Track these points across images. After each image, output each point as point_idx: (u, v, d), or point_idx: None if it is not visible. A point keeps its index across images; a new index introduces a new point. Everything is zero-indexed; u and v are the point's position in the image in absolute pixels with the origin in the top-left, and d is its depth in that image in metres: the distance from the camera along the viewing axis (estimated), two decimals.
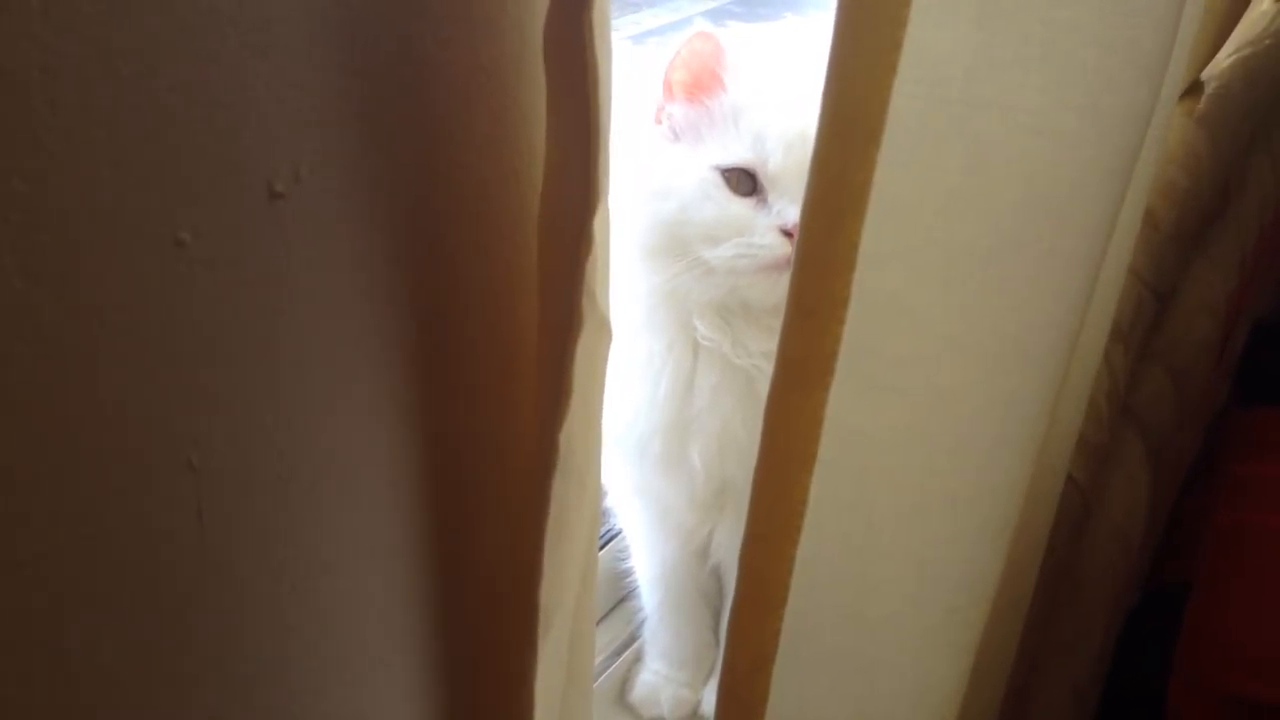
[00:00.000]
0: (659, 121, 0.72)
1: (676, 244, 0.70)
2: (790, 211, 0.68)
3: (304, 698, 0.43)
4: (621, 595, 0.94)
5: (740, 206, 0.69)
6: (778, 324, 0.58)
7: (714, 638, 0.91)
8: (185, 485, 0.35)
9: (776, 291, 0.68)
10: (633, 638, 0.93)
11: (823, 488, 0.42)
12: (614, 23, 0.40)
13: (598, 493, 0.52)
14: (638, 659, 0.92)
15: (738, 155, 0.69)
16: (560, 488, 0.43)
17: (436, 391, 0.45)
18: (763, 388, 0.67)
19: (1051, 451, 0.58)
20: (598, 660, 0.89)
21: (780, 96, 0.70)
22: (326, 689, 0.44)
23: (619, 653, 0.93)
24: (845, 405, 0.42)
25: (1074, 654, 0.92)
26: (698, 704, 0.89)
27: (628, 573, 0.91)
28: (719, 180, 0.69)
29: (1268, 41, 1.44)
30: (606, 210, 0.42)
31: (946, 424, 0.43)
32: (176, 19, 0.31)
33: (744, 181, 0.70)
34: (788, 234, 0.67)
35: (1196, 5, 0.54)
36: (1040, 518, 0.65)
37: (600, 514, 0.61)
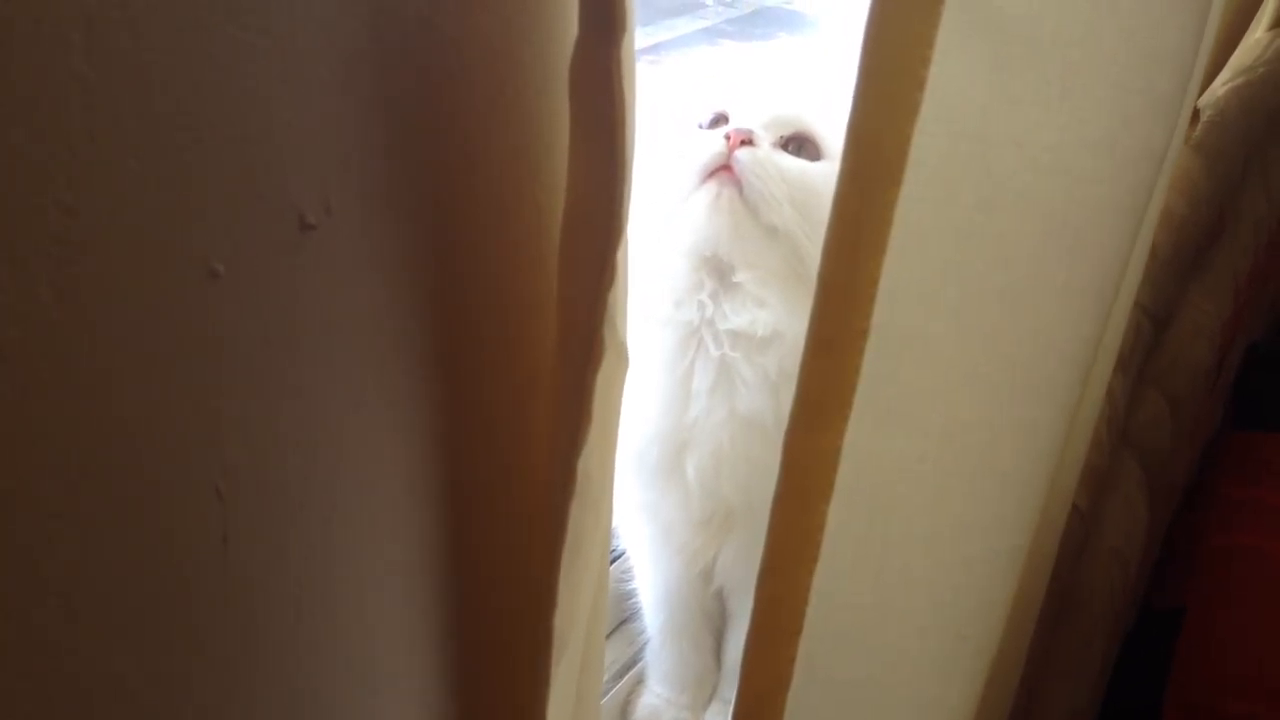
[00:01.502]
0: None
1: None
2: (741, 122, 0.71)
3: (320, 718, 0.43)
4: (625, 616, 0.94)
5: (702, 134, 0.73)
6: (755, 293, 0.61)
7: (716, 661, 0.91)
8: (212, 512, 0.35)
9: (718, 212, 0.69)
10: (635, 659, 0.93)
11: (839, 517, 0.43)
12: None
13: (610, 520, 0.53)
14: (640, 681, 0.92)
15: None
16: (578, 514, 0.44)
17: (455, 418, 0.45)
18: (746, 395, 0.69)
19: (1060, 481, 0.59)
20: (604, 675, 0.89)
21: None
22: (342, 711, 0.44)
23: (621, 674, 0.93)
24: (862, 436, 0.42)
25: (1072, 677, 0.92)
26: None
27: (631, 594, 0.91)
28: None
29: (1262, 69, 1.45)
30: (628, 242, 0.42)
31: (961, 454, 0.44)
32: (212, 55, 0.31)
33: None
34: (727, 138, 0.70)
35: (1208, 45, 0.54)
36: (1047, 546, 0.65)
37: (610, 540, 0.61)
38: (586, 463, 0.43)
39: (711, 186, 0.69)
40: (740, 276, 0.71)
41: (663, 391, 0.73)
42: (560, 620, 0.45)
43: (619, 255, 0.41)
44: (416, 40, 0.38)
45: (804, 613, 0.44)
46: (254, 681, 0.39)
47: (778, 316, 0.70)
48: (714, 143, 0.70)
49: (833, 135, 0.74)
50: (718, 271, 0.72)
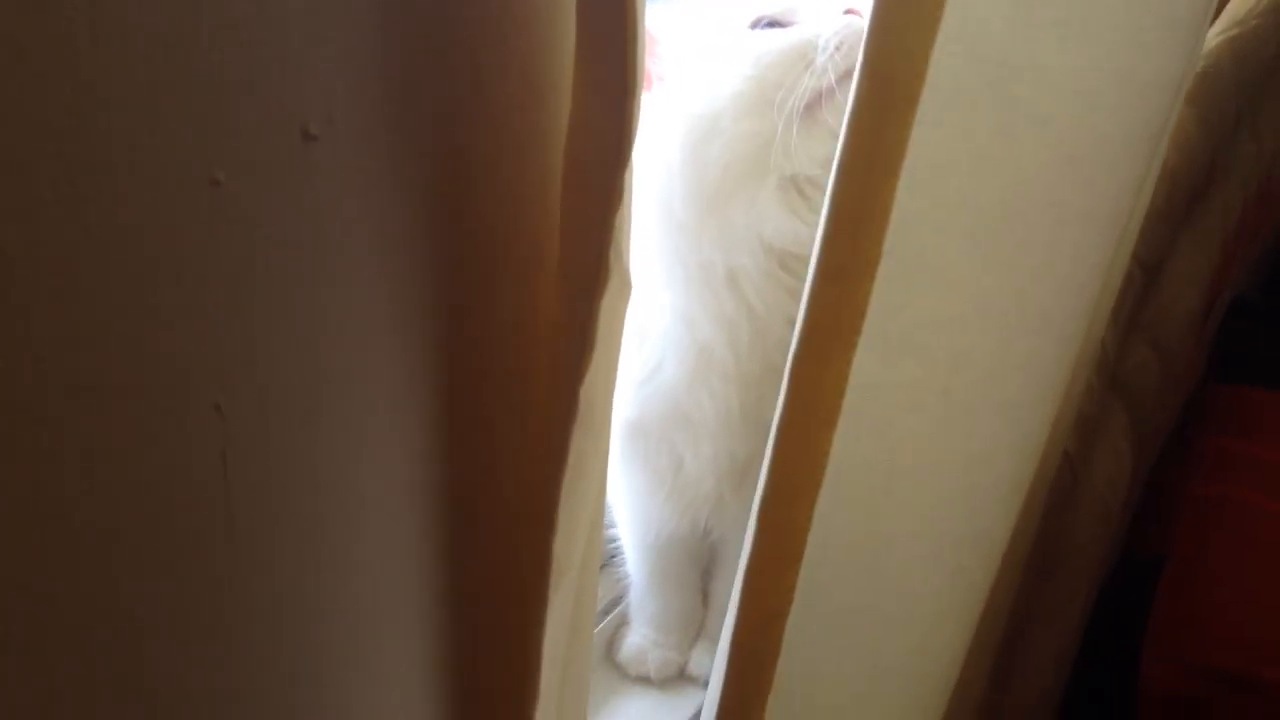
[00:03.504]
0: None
1: (760, 105, 0.67)
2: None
3: (324, 630, 0.43)
4: (607, 557, 0.94)
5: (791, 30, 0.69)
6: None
7: (702, 599, 0.92)
8: (211, 428, 0.34)
9: None
10: (619, 598, 0.94)
11: (843, 445, 0.43)
12: None
13: (609, 445, 0.52)
14: (624, 621, 0.93)
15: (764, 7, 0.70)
16: (579, 441, 0.44)
17: (456, 336, 0.44)
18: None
19: (1057, 421, 0.59)
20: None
21: None
22: (342, 627, 0.44)
23: (606, 611, 0.93)
24: (869, 364, 0.42)
25: (1055, 621, 0.93)
26: (684, 665, 0.90)
27: (613, 539, 0.90)
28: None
29: (1255, 22, 1.44)
30: (633, 165, 0.41)
31: (968, 385, 0.43)
32: None
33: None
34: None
35: None
36: (1040, 485, 0.65)
37: (608, 470, 0.61)
38: (590, 390, 0.43)
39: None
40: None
41: (733, 319, 0.71)
42: (559, 545, 0.45)
43: (625, 177, 0.40)
44: None
45: (805, 540, 0.44)
46: (251, 597, 0.38)
47: None
48: (851, 18, 0.66)
49: None
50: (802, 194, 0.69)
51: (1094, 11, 0.38)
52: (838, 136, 0.56)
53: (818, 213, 0.60)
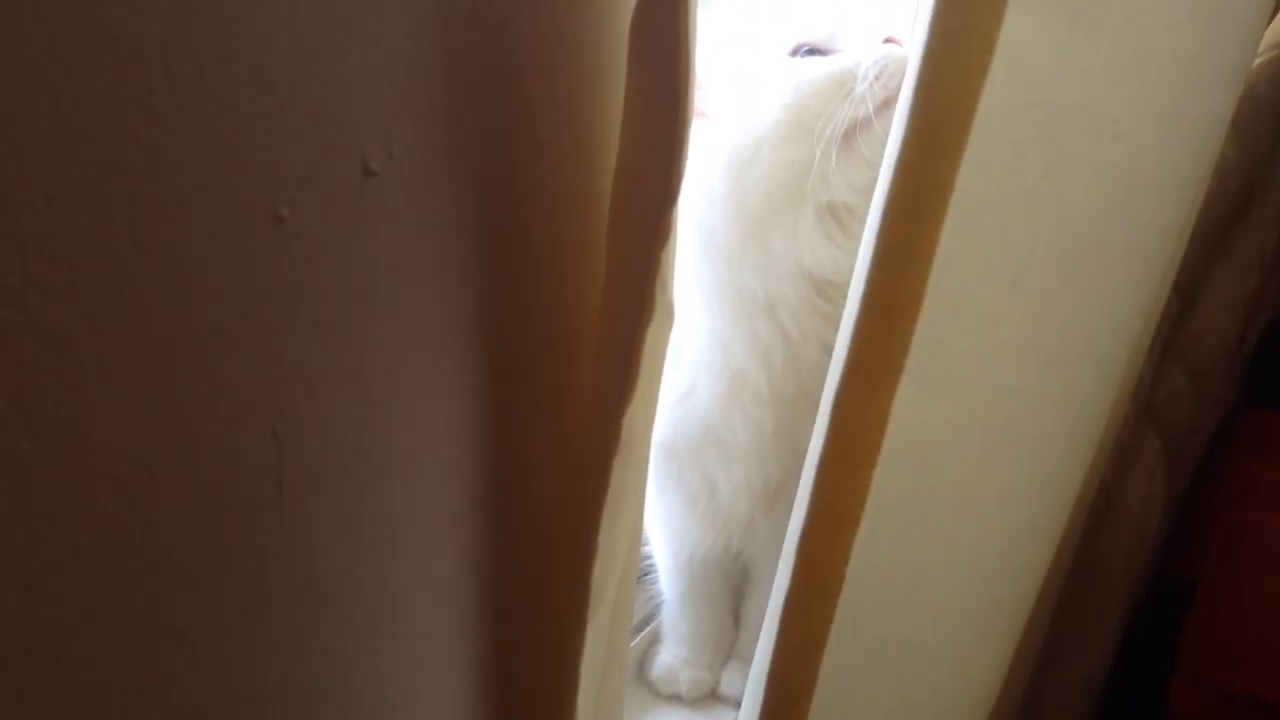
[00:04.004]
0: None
1: (799, 133, 0.68)
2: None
3: (368, 658, 0.43)
4: (641, 572, 0.94)
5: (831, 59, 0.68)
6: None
7: (734, 620, 0.91)
8: (269, 454, 0.35)
9: None
10: (651, 615, 0.94)
11: (883, 481, 0.43)
12: None
13: (647, 472, 0.52)
14: (656, 639, 0.93)
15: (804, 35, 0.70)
16: (620, 470, 0.44)
17: (504, 368, 0.45)
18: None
19: (1098, 454, 0.59)
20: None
21: None
22: (388, 649, 0.44)
23: (638, 629, 0.93)
24: (909, 400, 0.42)
25: (1087, 645, 0.93)
26: (715, 684, 0.89)
27: (646, 556, 0.90)
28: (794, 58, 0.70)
29: None
30: (681, 201, 0.41)
31: (1007, 420, 0.43)
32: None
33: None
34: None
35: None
36: (1077, 516, 0.65)
37: (646, 497, 0.61)
38: (631, 419, 0.43)
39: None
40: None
41: (768, 345, 0.71)
42: (599, 572, 0.45)
43: (673, 215, 0.40)
44: None
45: (843, 574, 0.44)
46: (305, 623, 0.39)
47: None
48: (890, 47, 0.66)
49: None
50: (837, 219, 0.70)
51: (1141, 54, 0.39)
52: (875, 165, 0.57)
53: (855, 240, 0.61)
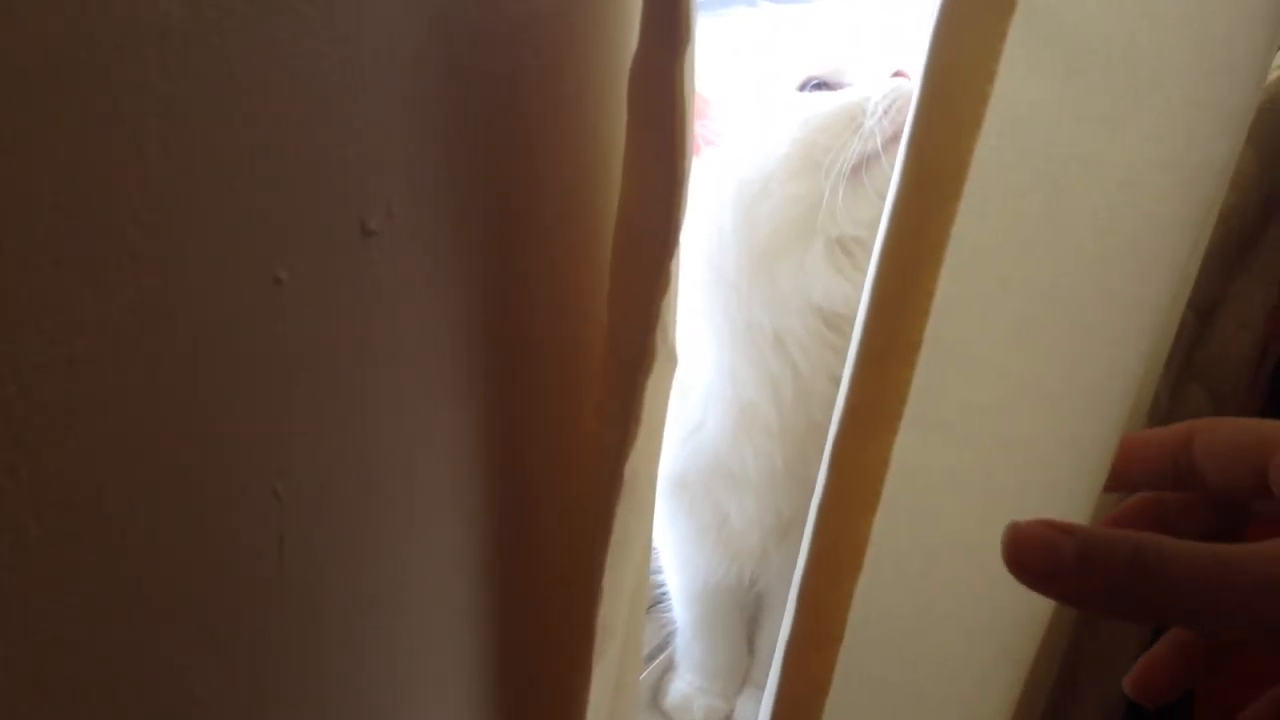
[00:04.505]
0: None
1: (808, 167, 0.68)
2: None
3: (372, 709, 0.43)
4: (654, 600, 0.94)
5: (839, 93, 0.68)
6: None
7: (748, 648, 0.91)
8: (270, 513, 0.35)
9: None
10: (665, 643, 0.93)
11: (883, 528, 0.43)
12: None
13: (653, 515, 0.53)
14: (670, 667, 0.92)
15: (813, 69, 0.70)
16: (623, 514, 0.44)
17: (507, 420, 0.45)
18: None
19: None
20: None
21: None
22: (390, 705, 0.44)
23: (652, 657, 0.93)
24: (910, 449, 0.42)
25: (1104, 675, 0.92)
26: (730, 713, 0.89)
27: (659, 584, 0.90)
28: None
29: None
30: (680, 250, 0.42)
31: (1011, 466, 0.43)
32: (280, 62, 0.31)
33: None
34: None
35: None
36: None
37: (652, 538, 0.61)
38: (634, 464, 0.43)
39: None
40: None
41: (750, 392, 0.71)
42: (604, 617, 0.46)
43: (673, 264, 0.40)
44: (478, 44, 0.38)
45: (845, 620, 0.44)
46: (307, 681, 0.39)
47: None
48: (899, 80, 0.66)
49: None
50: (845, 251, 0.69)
51: (1142, 104, 0.38)
52: (882, 198, 0.57)
53: (863, 272, 0.60)
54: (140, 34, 0.27)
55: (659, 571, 0.89)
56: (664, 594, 0.91)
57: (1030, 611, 0.47)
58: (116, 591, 0.31)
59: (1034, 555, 0.36)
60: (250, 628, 0.36)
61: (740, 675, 0.91)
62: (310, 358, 0.35)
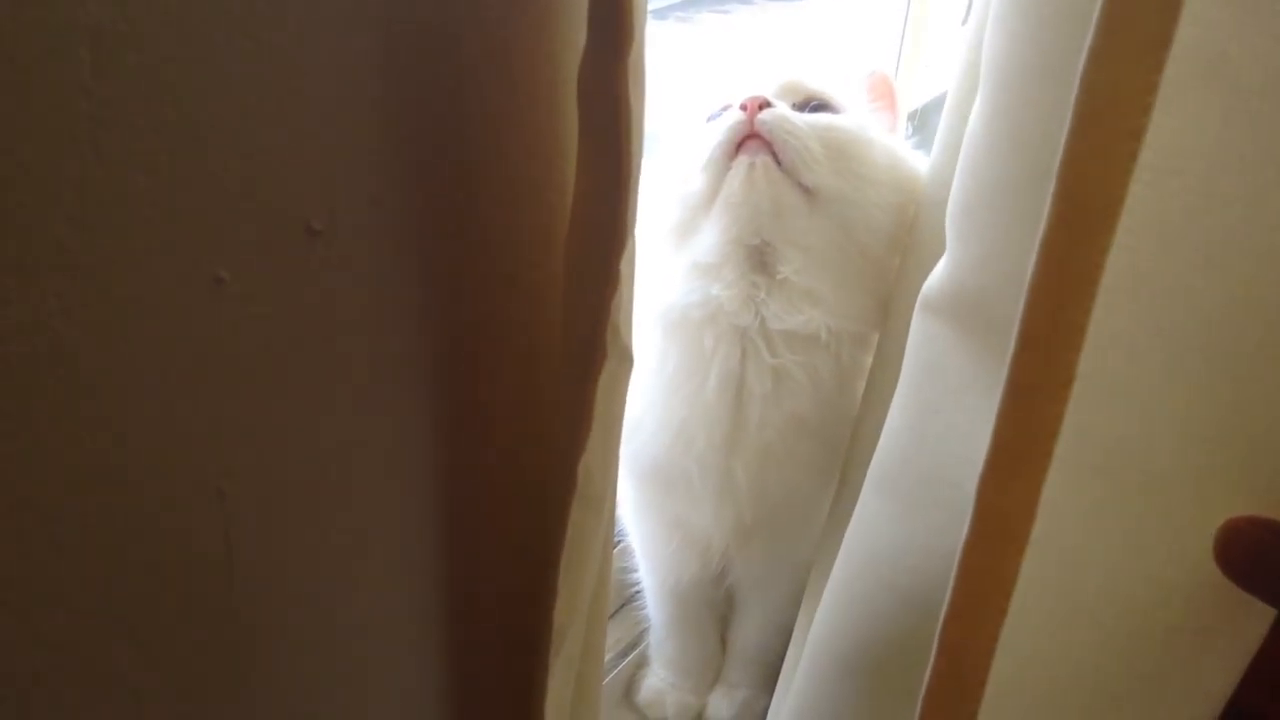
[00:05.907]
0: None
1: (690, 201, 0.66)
2: (754, 91, 0.64)
3: (323, 700, 0.43)
4: (627, 598, 0.91)
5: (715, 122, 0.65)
6: (805, 286, 0.63)
7: (720, 646, 0.88)
8: (215, 511, 0.35)
9: (755, 184, 0.61)
10: (639, 639, 0.90)
11: (1030, 568, 0.39)
12: None
13: (612, 516, 0.52)
14: (643, 663, 0.89)
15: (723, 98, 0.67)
16: (578, 515, 0.44)
17: (458, 419, 0.44)
18: (797, 396, 0.63)
19: None
20: (605, 659, 0.85)
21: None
22: (343, 702, 0.43)
23: (625, 653, 0.90)
24: (1058, 486, 0.37)
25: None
26: (702, 709, 0.87)
27: (634, 581, 0.86)
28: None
29: None
30: (633, 248, 0.42)
31: (1159, 507, 0.40)
32: (219, 66, 0.30)
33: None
34: (743, 107, 0.63)
35: None
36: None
37: (613, 535, 0.57)
38: (588, 463, 0.43)
39: (743, 160, 0.61)
40: (786, 269, 0.63)
41: (714, 396, 0.66)
42: (560, 615, 0.46)
43: (623, 263, 0.40)
44: (426, 47, 0.37)
45: (989, 665, 0.40)
46: (255, 677, 0.38)
47: (830, 310, 0.63)
48: (731, 115, 0.63)
49: (843, 93, 0.69)
50: (764, 267, 0.64)
51: None
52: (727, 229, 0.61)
53: (782, 284, 0.62)
54: (71, 34, 0.26)
55: (634, 570, 0.85)
56: (637, 591, 0.88)
57: (1179, 664, 0.42)
58: (54, 591, 0.30)
59: (1239, 551, 0.36)
60: (197, 627, 0.35)
61: (712, 671, 0.88)
62: (254, 357, 0.34)
